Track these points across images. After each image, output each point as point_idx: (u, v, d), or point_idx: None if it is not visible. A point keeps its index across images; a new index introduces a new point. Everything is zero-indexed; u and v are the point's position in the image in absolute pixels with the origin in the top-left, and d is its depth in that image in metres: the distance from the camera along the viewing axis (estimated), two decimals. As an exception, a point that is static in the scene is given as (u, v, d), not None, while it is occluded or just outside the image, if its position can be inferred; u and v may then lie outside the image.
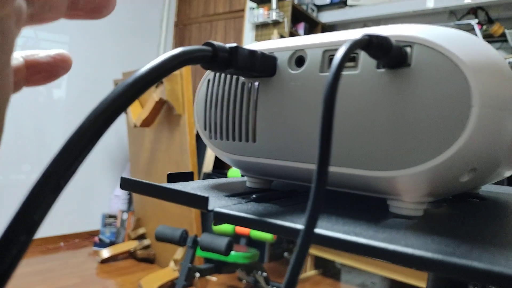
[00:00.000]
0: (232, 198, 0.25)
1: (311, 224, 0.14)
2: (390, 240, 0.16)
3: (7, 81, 0.14)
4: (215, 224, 0.21)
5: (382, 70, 0.20)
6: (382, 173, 0.20)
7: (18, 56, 0.18)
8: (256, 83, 0.25)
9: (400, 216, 0.22)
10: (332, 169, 0.22)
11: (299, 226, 0.18)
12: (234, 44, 0.21)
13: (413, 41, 0.19)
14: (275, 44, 0.25)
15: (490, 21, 2.47)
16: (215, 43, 0.20)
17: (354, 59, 0.21)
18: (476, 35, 2.34)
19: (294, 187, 0.30)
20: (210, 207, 0.21)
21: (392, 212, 0.22)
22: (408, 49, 0.20)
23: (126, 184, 0.25)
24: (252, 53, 0.23)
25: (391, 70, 0.20)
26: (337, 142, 0.22)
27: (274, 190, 0.28)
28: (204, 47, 0.20)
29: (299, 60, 0.24)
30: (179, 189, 0.23)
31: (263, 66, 0.24)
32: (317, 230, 0.17)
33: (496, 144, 0.20)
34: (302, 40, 0.24)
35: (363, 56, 0.21)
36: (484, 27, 2.45)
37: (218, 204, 0.22)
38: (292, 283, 0.14)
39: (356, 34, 0.21)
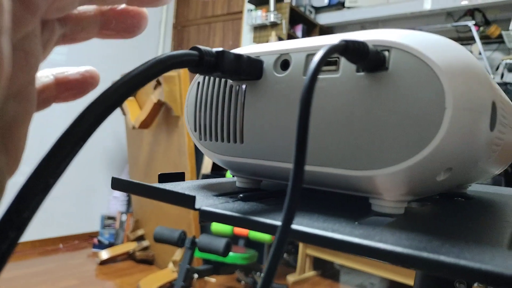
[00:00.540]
0: (220, 197, 0.26)
1: (287, 220, 0.15)
2: (366, 236, 0.17)
3: (30, 100, 0.14)
4: (201, 222, 0.22)
5: (362, 73, 0.21)
6: (361, 172, 0.21)
7: (48, 74, 0.18)
8: (244, 86, 0.26)
9: (381, 214, 0.23)
10: (313, 168, 0.23)
11: (277, 223, 0.19)
12: (220, 49, 0.22)
13: (390, 46, 0.20)
14: (261, 48, 0.26)
15: (487, 23, 2.49)
16: (202, 47, 0.21)
17: (335, 63, 0.22)
18: (473, 36, 2.35)
19: (282, 187, 0.30)
20: (197, 206, 0.22)
21: (374, 211, 0.23)
22: (386, 54, 0.20)
23: (116, 184, 0.26)
24: (238, 57, 0.24)
25: (370, 74, 0.21)
26: (318, 142, 0.23)
27: (262, 190, 0.29)
28: (191, 51, 0.21)
29: (284, 64, 0.25)
30: (168, 189, 0.24)
31: (249, 69, 0.25)
32: (296, 227, 0.18)
33: (471, 144, 0.21)
34: (287, 45, 0.25)
35: (343, 60, 0.22)
36: (481, 28, 2.47)
37: (205, 203, 0.23)
38: (270, 275, 0.15)
39: (339, 39, 0.22)
